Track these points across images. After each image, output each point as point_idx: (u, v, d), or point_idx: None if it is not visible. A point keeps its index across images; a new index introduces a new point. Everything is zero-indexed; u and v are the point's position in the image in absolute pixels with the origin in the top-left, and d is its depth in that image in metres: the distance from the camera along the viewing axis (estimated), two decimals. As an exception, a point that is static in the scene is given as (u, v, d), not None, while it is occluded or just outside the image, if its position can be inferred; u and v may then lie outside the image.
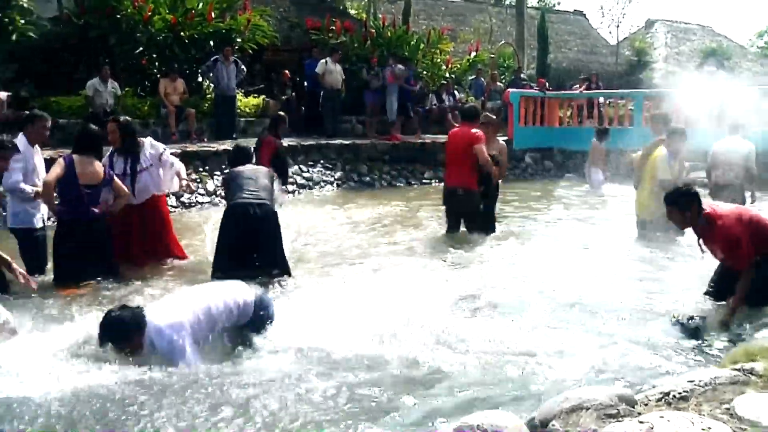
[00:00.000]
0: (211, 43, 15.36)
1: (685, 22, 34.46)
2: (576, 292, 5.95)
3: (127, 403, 3.64)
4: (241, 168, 7.06)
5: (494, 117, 10.64)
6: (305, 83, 17.23)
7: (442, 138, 16.62)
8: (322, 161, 14.81)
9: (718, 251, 5.14)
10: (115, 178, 6.88)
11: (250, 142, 13.94)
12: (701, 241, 5.23)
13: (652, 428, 2.40)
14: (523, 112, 17.69)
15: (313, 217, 10.44)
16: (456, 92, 19.51)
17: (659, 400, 2.80)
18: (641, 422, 2.48)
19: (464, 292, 6.16)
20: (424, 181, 15.58)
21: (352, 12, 22.32)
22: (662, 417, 2.50)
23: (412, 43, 19.46)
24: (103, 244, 6.70)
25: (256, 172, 6.99)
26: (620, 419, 2.53)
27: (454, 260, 7.53)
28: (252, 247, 6.58)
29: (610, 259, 7.40)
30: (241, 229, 6.50)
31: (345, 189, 14.33)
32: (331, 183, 14.49)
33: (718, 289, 5.34)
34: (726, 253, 5.05)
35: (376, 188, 14.68)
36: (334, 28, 18.54)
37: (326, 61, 16.22)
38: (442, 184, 9.16)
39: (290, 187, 12.90)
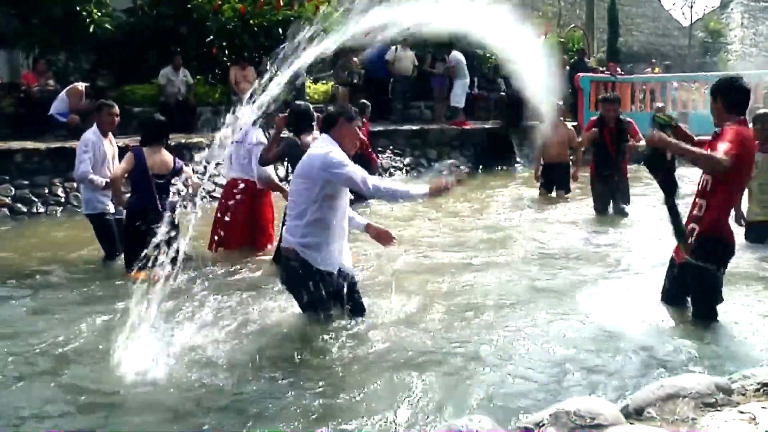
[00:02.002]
0: (280, 30, 15.47)
1: (762, 2, 33.23)
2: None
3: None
4: None
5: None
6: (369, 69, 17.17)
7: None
8: (391, 147, 14.80)
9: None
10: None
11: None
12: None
13: (754, 419, 2.33)
14: (593, 97, 17.34)
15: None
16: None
17: (757, 390, 2.71)
18: (741, 412, 2.41)
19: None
20: (494, 167, 15.41)
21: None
22: (764, 408, 2.43)
23: (480, 27, 19.25)
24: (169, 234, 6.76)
25: None
26: (719, 408, 2.46)
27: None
28: None
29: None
30: None
31: (414, 175, 14.29)
32: (401, 169, 14.48)
33: (673, 294, 5.00)
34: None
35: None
36: (402, 13, 18.45)
37: (396, 48, 16.23)
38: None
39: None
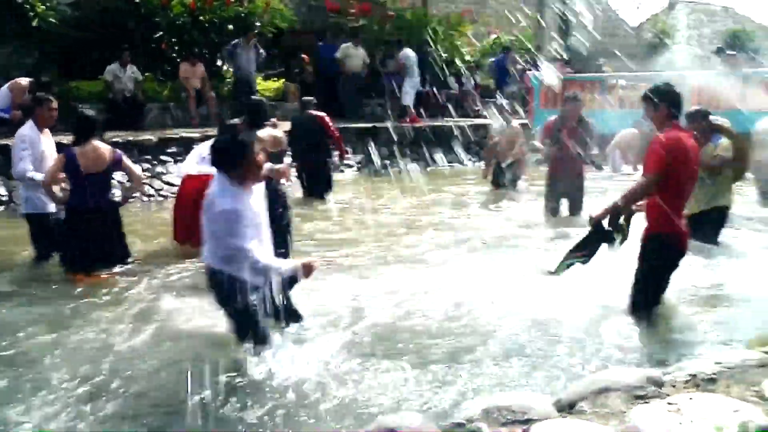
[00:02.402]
0: (231, 27, 15.34)
1: (707, 4, 33.96)
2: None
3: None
4: None
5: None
6: (320, 67, 17.13)
7: (461, 121, 16.66)
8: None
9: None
10: (125, 160, 6.74)
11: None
12: None
13: (679, 410, 2.38)
14: (543, 95, 17.54)
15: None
16: (476, 75, 19.41)
17: (687, 382, 2.79)
18: (670, 404, 2.46)
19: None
20: (444, 164, 15.51)
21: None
22: (691, 399, 2.49)
23: (432, 25, 19.35)
24: (111, 232, 6.63)
25: None
26: (648, 401, 2.52)
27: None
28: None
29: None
30: None
31: (365, 173, 14.29)
32: (351, 167, 14.47)
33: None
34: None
35: (395, 171, 14.65)
36: (353, 10, 18.46)
37: (347, 45, 16.24)
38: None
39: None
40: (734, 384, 2.74)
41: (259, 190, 4.46)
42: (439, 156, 15.65)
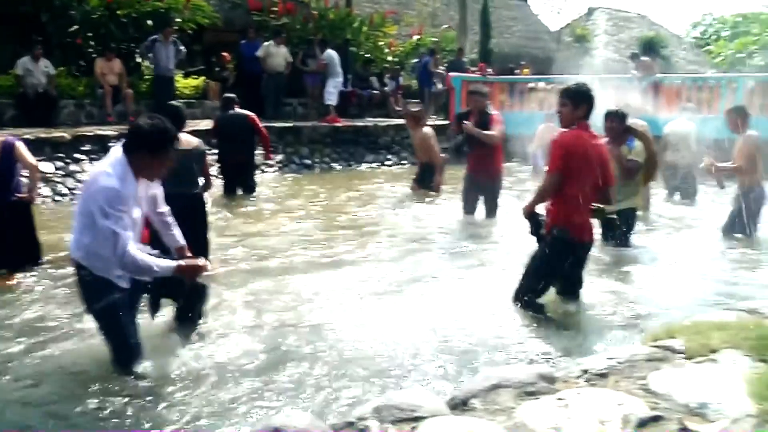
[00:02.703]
0: (149, 22, 15.04)
1: (624, 11, 35.04)
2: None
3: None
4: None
5: (415, 109, 11.00)
6: (242, 65, 16.96)
7: (383, 122, 16.77)
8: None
9: None
10: (18, 147, 6.26)
11: (190, 125, 13.84)
12: None
13: (567, 405, 2.46)
14: (464, 96, 17.76)
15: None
16: (399, 76, 19.54)
17: (579, 377, 2.87)
18: (558, 399, 2.54)
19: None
20: (365, 163, 15.59)
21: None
22: (578, 394, 2.58)
23: (355, 25, 19.42)
24: (17, 231, 6.34)
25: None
26: (538, 397, 2.59)
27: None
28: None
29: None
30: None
31: (286, 172, 14.22)
32: (272, 166, 14.37)
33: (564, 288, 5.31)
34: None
35: (316, 171, 14.64)
36: (275, 9, 18.36)
37: (269, 44, 16.13)
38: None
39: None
40: (623, 378, 2.84)
41: (153, 193, 4.22)
42: (360, 156, 15.72)
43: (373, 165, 15.55)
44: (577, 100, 5.04)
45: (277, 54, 16.25)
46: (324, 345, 4.41)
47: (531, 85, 18.92)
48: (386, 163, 15.86)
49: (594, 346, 4.25)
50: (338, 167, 15.10)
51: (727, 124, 8.37)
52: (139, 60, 15.49)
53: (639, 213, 7.64)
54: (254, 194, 10.88)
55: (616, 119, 7.11)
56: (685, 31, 42.19)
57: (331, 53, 16.63)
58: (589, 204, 5.10)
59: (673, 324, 3.60)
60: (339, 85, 16.87)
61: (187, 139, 6.23)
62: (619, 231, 7.01)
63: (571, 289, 5.30)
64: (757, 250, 7.76)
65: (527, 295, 5.07)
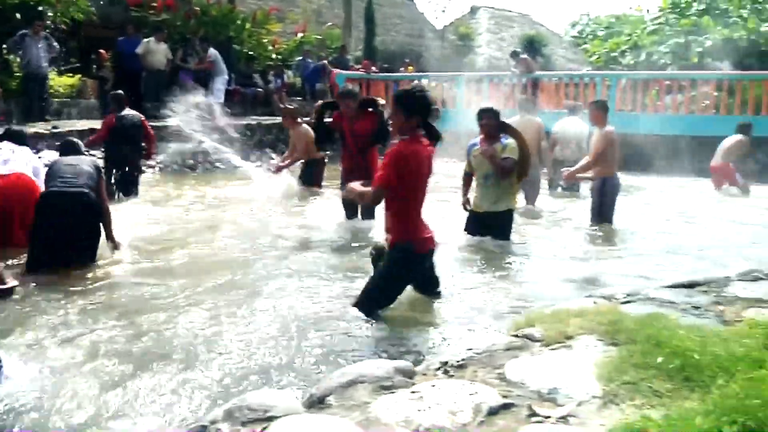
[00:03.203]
0: (18, 15, 14.36)
1: (506, 10, 35.93)
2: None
3: None
4: (61, 158, 6.88)
5: (291, 107, 11.07)
6: (121, 62, 16.43)
7: (267, 120, 16.60)
8: (143, 144, 14.15)
9: None
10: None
11: (66, 125, 13.33)
12: None
13: (421, 397, 2.49)
14: (349, 94, 17.77)
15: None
16: (284, 74, 19.41)
17: (438, 369, 2.91)
18: (413, 392, 2.57)
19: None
20: (249, 162, 15.39)
21: (177, -13, 21.51)
22: (433, 386, 2.61)
23: (238, 22, 19.15)
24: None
25: (77, 160, 6.71)
26: (394, 391, 2.61)
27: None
28: (65, 238, 6.19)
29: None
30: (53, 219, 6.16)
31: (168, 173, 13.87)
32: (153, 167, 13.96)
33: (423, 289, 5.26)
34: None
35: (198, 171, 14.36)
36: (155, 4, 17.88)
37: (149, 41, 15.68)
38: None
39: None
40: (481, 368, 2.89)
41: None
42: (245, 155, 15.50)
43: (258, 163, 15.35)
44: (411, 107, 4.72)
45: (157, 51, 15.84)
46: (180, 349, 4.27)
47: (415, 82, 19.19)
48: (271, 161, 15.67)
49: (459, 339, 4.31)
50: (222, 166, 14.84)
51: (590, 117, 8.75)
52: (7, 56, 14.76)
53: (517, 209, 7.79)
54: (137, 197, 10.56)
55: (490, 116, 7.16)
56: (564, 31, 43.76)
57: (214, 51, 16.37)
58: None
59: (534, 313, 3.71)
60: (225, 83, 16.63)
61: None
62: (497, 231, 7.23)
63: (430, 289, 5.25)
64: (615, 238, 8.23)
65: (371, 306, 4.80)
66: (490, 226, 7.29)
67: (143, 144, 10.98)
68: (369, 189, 4.80)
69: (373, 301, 4.84)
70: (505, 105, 16.80)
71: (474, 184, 7.56)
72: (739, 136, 12.38)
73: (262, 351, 4.19)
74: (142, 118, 10.65)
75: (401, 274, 4.89)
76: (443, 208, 8.13)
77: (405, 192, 4.70)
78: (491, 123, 7.15)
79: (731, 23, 23.28)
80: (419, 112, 4.73)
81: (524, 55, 18.81)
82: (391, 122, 5.07)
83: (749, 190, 12.35)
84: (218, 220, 9.06)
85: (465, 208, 7.55)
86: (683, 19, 23.64)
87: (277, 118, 16.83)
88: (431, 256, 5.04)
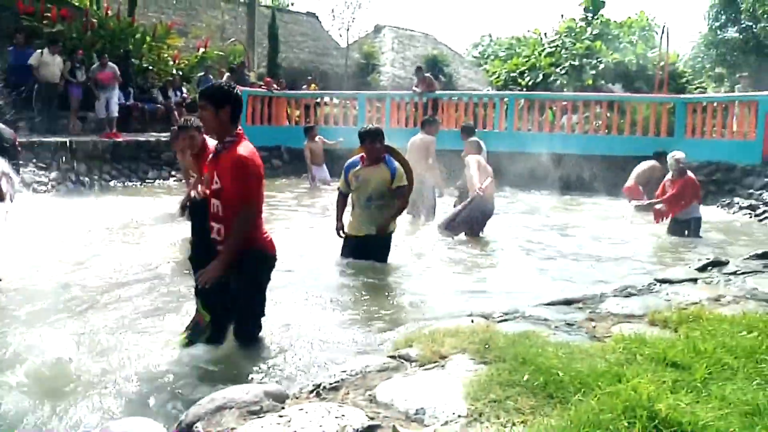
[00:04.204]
0: None
1: (410, 30, 36.39)
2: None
3: None
4: None
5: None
6: (10, 73, 15.81)
7: (167, 136, 16.25)
8: (34, 161, 13.62)
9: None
10: None
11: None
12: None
13: (289, 421, 2.49)
14: (250, 111, 17.69)
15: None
16: (184, 89, 19.10)
17: (311, 392, 2.92)
18: (281, 416, 2.57)
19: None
20: (147, 180, 15.11)
21: (74, -1, 20.92)
22: (301, 409, 2.61)
23: (137, 36, 18.78)
24: None
25: None
26: (262, 415, 2.60)
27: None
28: None
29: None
30: None
31: (61, 191, 13.38)
32: (46, 184, 13.48)
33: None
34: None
35: (94, 189, 13.94)
36: (49, 14, 17.33)
37: (42, 52, 15.17)
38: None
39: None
40: (353, 390, 2.92)
41: None
42: (143, 172, 15.22)
43: (155, 181, 15.11)
44: (219, 101, 4.34)
45: (51, 63, 15.33)
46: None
47: (318, 99, 19.25)
48: (169, 178, 15.44)
49: (336, 360, 4.29)
50: (118, 185, 14.48)
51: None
52: None
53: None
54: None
55: (379, 139, 6.87)
56: (467, 51, 44.81)
57: (112, 65, 16.02)
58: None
59: (413, 332, 3.77)
60: (120, 97, 16.27)
61: None
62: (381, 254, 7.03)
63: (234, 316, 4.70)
64: (498, 254, 8.57)
65: (255, 327, 4.60)
66: (370, 250, 7.00)
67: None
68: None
69: (256, 322, 4.60)
70: (406, 124, 17.16)
71: (352, 205, 7.13)
72: (653, 162, 12.75)
73: (136, 379, 4.08)
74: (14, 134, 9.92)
75: (266, 277, 4.63)
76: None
77: (257, 197, 4.44)
78: (379, 147, 6.86)
79: (622, 48, 24.34)
80: (230, 106, 4.36)
81: (427, 74, 19.10)
82: (201, 121, 4.71)
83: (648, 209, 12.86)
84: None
85: (340, 235, 7.11)
86: (578, 43, 24.52)
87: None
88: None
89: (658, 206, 10.24)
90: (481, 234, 9.29)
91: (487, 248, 8.79)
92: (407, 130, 15.38)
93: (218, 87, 4.51)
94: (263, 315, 4.64)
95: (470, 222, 9.09)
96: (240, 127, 4.48)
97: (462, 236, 9.13)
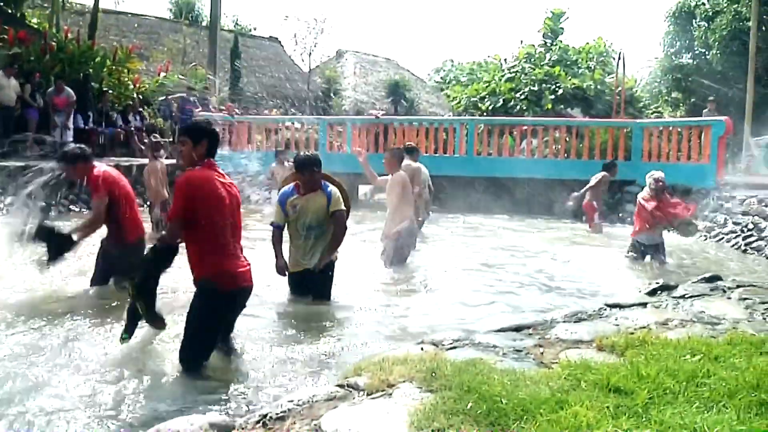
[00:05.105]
0: None
1: (372, 55, 36.67)
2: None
3: None
4: None
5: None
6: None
7: (127, 161, 16.15)
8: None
9: None
10: None
11: None
12: None
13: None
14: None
15: None
16: (144, 113, 19.00)
17: (257, 422, 2.91)
18: (222, 449, 2.56)
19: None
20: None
21: (33, 21, 20.74)
22: (244, 440, 2.62)
23: (97, 60, 18.66)
24: None
25: None
26: (205, 447, 2.60)
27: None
28: None
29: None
30: None
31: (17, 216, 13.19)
32: (1, 210, 13.28)
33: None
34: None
35: (52, 215, 13.74)
36: (6, 36, 17.16)
37: (-2, 75, 15.02)
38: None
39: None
40: (299, 420, 2.92)
41: None
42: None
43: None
44: (198, 136, 4.60)
45: (7, 86, 15.18)
46: None
47: (280, 125, 19.26)
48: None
49: (283, 390, 4.28)
50: (76, 209, 14.31)
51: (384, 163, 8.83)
52: None
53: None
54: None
55: (316, 168, 6.59)
56: (428, 76, 45.18)
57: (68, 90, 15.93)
58: (237, 249, 4.72)
59: (362, 361, 3.78)
60: (77, 122, 16.17)
61: None
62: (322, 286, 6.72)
63: (225, 338, 4.92)
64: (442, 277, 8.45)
65: (194, 358, 4.62)
66: (312, 282, 6.71)
67: None
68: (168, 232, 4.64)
69: (194, 352, 4.60)
70: (367, 148, 17.22)
71: (290, 239, 6.78)
72: (602, 173, 13.16)
73: (82, 405, 4.03)
74: None
75: (210, 311, 4.61)
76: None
77: (203, 221, 4.46)
78: (316, 176, 6.61)
79: (580, 73, 24.77)
80: (207, 141, 4.62)
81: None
82: (179, 154, 4.89)
83: (602, 230, 13.11)
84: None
85: (283, 273, 6.64)
86: (537, 68, 24.91)
87: (137, 159, 16.45)
88: (244, 296, 4.79)
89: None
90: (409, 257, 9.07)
91: (441, 272, 8.76)
92: (369, 154, 15.41)
93: (196, 123, 4.94)
94: (205, 346, 4.65)
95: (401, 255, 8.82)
96: (211, 159, 4.68)
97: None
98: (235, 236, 4.72)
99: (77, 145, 7.76)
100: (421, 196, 10.33)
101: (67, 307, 6.34)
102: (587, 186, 13.16)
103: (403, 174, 8.78)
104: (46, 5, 22.91)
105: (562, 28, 27.30)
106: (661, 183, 9.96)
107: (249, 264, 4.81)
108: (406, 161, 9.74)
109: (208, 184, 4.51)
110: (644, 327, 4.59)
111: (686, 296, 5.58)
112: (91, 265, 7.24)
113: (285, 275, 6.63)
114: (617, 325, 4.68)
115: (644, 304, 5.34)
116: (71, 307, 6.35)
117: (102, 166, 7.06)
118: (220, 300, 4.62)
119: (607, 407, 2.96)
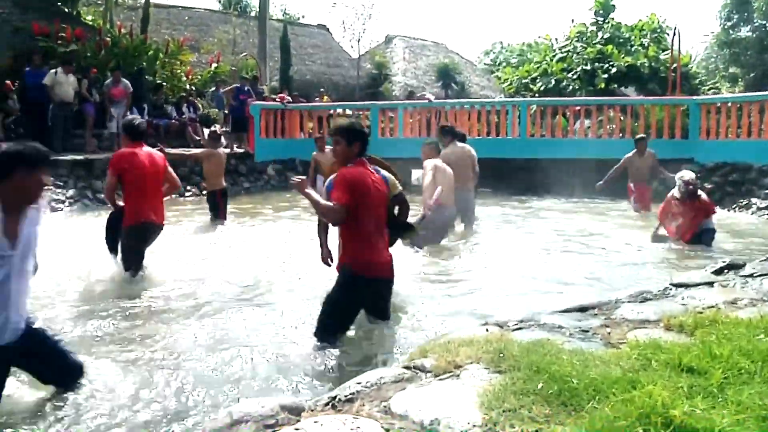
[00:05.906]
0: None
1: (421, 39, 36.51)
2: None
3: None
4: None
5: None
6: (26, 94, 15.97)
7: (180, 152, 16.34)
8: (51, 179, 13.72)
9: None
10: None
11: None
12: None
13: (305, 435, 2.51)
14: (263, 124, 17.80)
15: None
16: (198, 104, 19.25)
17: (326, 404, 2.93)
18: (296, 429, 2.58)
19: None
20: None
21: (88, 18, 21.19)
22: (316, 422, 2.63)
23: (150, 53, 18.96)
24: None
25: None
26: (277, 429, 2.62)
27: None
28: None
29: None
30: None
31: (79, 209, 13.51)
32: (63, 202, 13.62)
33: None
34: None
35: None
36: (64, 34, 17.55)
37: (56, 72, 15.31)
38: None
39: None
40: (368, 402, 2.93)
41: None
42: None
43: (172, 196, 15.14)
44: (352, 138, 5.08)
45: (66, 82, 15.48)
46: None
47: (331, 111, 19.32)
48: (186, 194, 15.50)
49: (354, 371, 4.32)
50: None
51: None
52: None
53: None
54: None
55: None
56: (478, 59, 44.75)
57: (126, 82, 16.22)
58: (382, 241, 5.12)
59: (428, 343, 3.77)
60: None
61: None
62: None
63: (380, 317, 5.31)
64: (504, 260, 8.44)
65: (325, 333, 4.96)
66: None
67: None
68: (324, 202, 4.89)
69: (326, 328, 4.95)
70: (419, 133, 17.19)
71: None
72: (631, 153, 12.70)
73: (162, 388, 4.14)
74: None
75: (344, 297, 5.00)
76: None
77: (353, 213, 4.82)
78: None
79: (633, 51, 24.27)
80: (359, 142, 5.08)
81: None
82: (334, 152, 5.22)
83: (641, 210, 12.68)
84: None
85: (328, 263, 6.25)
86: (589, 47, 24.50)
87: (192, 150, 16.66)
88: (381, 283, 5.14)
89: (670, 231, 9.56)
90: (441, 242, 9.15)
91: (498, 254, 8.73)
92: (420, 139, 15.37)
93: (350, 125, 5.29)
94: (333, 329, 4.99)
95: (428, 237, 8.62)
96: (361, 158, 5.13)
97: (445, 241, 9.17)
98: (378, 229, 5.08)
99: (141, 120, 8.18)
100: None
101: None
102: (629, 173, 12.71)
103: (432, 161, 8.91)
104: (99, 2, 23.38)
105: (614, 6, 26.71)
106: (691, 187, 9.02)
107: (390, 257, 5.15)
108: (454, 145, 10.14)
109: (362, 180, 4.95)
110: (712, 306, 4.48)
111: (755, 275, 5.43)
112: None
113: (330, 265, 6.30)
114: (684, 304, 4.58)
115: (711, 284, 5.22)
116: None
117: (133, 150, 7.26)
118: (355, 287, 5.00)
119: (681, 387, 2.89)
